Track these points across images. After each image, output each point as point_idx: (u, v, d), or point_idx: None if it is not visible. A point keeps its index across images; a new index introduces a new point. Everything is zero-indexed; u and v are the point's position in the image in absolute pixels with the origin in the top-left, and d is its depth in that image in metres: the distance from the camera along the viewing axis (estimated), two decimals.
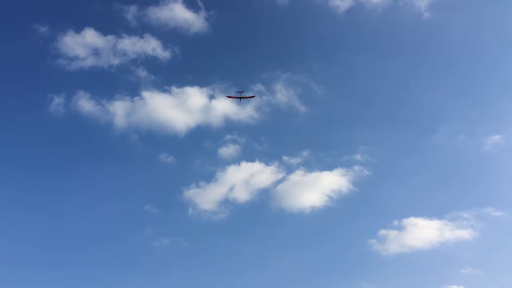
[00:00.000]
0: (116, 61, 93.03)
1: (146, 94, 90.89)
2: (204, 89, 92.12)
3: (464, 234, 69.90)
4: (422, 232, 71.39)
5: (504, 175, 77.34)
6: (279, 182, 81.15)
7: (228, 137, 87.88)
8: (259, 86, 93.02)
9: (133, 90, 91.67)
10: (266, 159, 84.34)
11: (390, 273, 68.68)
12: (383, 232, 72.26)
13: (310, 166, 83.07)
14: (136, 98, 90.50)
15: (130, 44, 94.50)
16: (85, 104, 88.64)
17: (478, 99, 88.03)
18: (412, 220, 72.69)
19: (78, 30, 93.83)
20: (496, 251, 68.76)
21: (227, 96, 74.26)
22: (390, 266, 69.41)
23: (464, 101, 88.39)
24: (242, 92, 74.70)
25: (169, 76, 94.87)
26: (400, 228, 72.23)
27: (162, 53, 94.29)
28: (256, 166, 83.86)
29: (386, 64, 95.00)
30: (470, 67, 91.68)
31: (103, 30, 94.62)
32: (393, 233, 72.00)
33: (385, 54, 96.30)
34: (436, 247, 69.58)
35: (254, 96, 74.10)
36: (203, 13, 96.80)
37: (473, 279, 65.46)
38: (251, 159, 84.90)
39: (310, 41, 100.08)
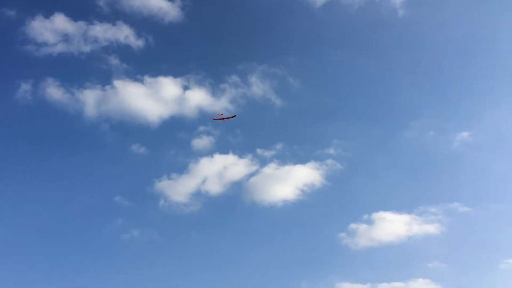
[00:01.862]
0: (87, 48, 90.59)
1: (118, 83, 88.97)
2: (178, 79, 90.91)
3: (432, 228, 71.56)
4: (391, 226, 72.74)
5: (471, 171, 79.57)
6: (252, 175, 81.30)
7: (202, 128, 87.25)
8: (235, 78, 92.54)
9: (104, 79, 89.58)
10: (240, 152, 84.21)
11: (359, 266, 69.82)
12: (353, 226, 73.39)
13: (284, 159, 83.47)
14: (107, 87, 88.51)
15: (102, 31, 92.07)
16: (54, 92, 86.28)
17: (449, 95, 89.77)
18: (382, 214, 74.00)
19: (47, 15, 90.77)
20: (462, 246, 70.88)
21: (213, 119, 75.75)
22: (359, 260, 70.55)
23: (435, 97, 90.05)
24: (222, 114, 75.91)
25: (142, 65, 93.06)
26: (369, 222, 73.48)
27: (135, 42, 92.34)
28: (230, 158, 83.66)
29: (361, 59, 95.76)
30: (442, 64, 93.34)
31: (74, 15, 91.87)
32: (362, 227, 73.22)
33: (360, 49, 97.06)
34: (404, 241, 71.14)
35: (235, 116, 75.85)
36: (178, 2, 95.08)
37: (439, 272, 67.14)
38: (224, 151, 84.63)
39: (286, 34, 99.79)
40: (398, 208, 74.05)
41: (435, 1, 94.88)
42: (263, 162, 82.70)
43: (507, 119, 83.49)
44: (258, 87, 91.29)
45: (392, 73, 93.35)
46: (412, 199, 76.44)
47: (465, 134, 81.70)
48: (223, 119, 74.26)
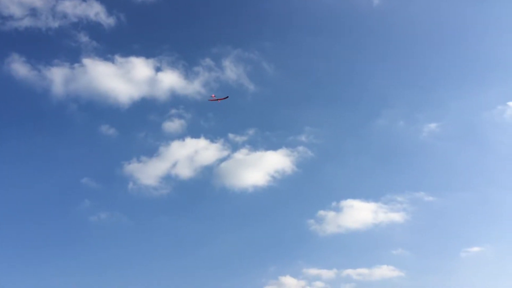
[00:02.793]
0: (55, 24, 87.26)
1: (87, 61, 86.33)
2: (151, 60, 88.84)
3: (397, 217, 73.23)
4: (358, 214, 74.11)
5: (437, 162, 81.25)
6: (223, 159, 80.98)
7: (173, 111, 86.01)
8: (208, 61, 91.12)
9: (73, 56, 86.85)
10: (212, 136, 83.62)
11: (326, 253, 71.27)
12: (321, 213, 74.37)
13: (256, 145, 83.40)
14: (76, 65, 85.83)
15: (71, 7, 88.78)
16: (20, 68, 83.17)
17: (420, 86, 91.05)
18: (350, 202, 75.19)
19: None
20: (425, 234, 72.76)
21: (209, 100, 73.94)
22: (326, 246, 71.93)
23: (406, 87, 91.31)
24: (214, 96, 74.39)
25: (113, 44, 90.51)
26: (337, 210, 74.64)
27: (106, 19, 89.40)
28: (201, 142, 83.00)
29: (336, 47, 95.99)
30: (414, 55, 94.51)
31: None
32: (331, 214, 74.32)
33: (335, 37, 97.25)
34: (370, 229, 72.59)
35: (227, 97, 74.12)
36: None
37: (402, 259, 69.08)
38: (196, 135, 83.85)
39: (262, 19, 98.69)
40: (366, 196, 75.56)
41: None
42: (235, 147, 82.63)
43: (473, 112, 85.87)
44: (232, 71, 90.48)
45: (366, 62, 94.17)
46: (379, 187, 78.16)
47: (433, 125, 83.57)
48: (217, 100, 72.87)
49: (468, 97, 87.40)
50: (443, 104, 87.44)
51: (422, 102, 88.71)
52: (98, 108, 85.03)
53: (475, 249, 68.92)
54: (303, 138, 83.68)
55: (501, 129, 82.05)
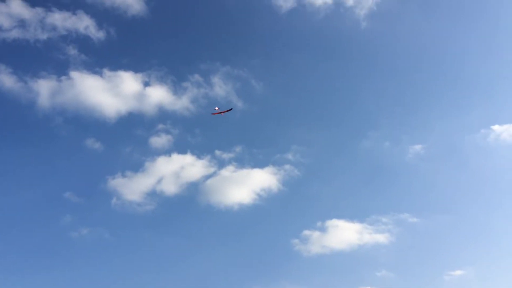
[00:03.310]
0: (43, 36, 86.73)
1: (74, 74, 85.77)
2: (139, 75, 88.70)
3: (382, 238, 73.32)
4: (343, 234, 74.01)
5: (421, 183, 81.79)
6: (209, 176, 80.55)
7: (160, 126, 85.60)
8: (197, 77, 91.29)
9: (60, 69, 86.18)
10: (199, 152, 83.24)
11: (310, 273, 70.51)
12: (306, 232, 74.12)
13: (242, 162, 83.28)
14: (63, 78, 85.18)
15: (61, 19, 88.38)
16: (6, 79, 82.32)
17: (405, 108, 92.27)
18: (335, 222, 75.15)
19: None
20: (410, 256, 72.86)
21: (212, 114, 73.50)
22: (311, 266, 71.37)
23: (392, 109, 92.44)
24: (218, 108, 73.21)
25: (101, 58, 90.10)
26: (322, 230, 74.47)
27: (96, 33, 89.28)
28: (188, 158, 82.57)
29: (324, 67, 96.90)
30: (400, 78, 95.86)
31: (31, 1, 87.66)
32: (316, 234, 74.11)
33: (323, 57, 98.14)
34: (355, 250, 72.45)
35: (231, 109, 73.84)
36: None
37: (386, 281, 68.82)
38: (183, 151, 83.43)
39: (252, 37, 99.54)
40: (351, 216, 75.61)
41: (396, 16, 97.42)
42: (221, 164, 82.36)
43: (457, 135, 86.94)
44: (220, 88, 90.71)
45: (353, 83, 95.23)
46: (365, 207, 78.24)
47: (418, 147, 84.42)
48: (221, 112, 72.46)
49: (452, 120, 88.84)
50: (427, 126, 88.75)
51: (407, 123, 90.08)
52: (84, 122, 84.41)
53: (458, 272, 69.30)
54: (290, 156, 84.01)
55: (485, 153, 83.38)
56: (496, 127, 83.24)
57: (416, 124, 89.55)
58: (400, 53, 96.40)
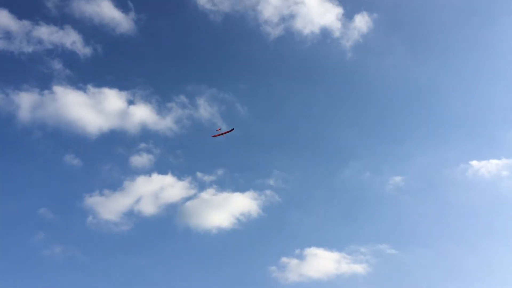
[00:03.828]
0: (29, 49, 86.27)
1: (57, 89, 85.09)
2: (124, 93, 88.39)
3: (359, 268, 72.86)
4: (322, 263, 73.35)
5: (400, 215, 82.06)
6: (189, 198, 79.61)
7: (142, 145, 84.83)
8: (182, 98, 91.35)
9: (43, 83, 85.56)
10: (179, 173, 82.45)
11: None
12: (284, 260, 73.25)
13: (223, 185, 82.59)
14: (45, 92, 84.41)
15: (48, 33, 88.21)
16: None
17: (387, 140, 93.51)
18: (314, 250, 74.52)
19: None
20: (386, 287, 72.52)
21: (212, 136, 72.68)
22: None
23: (374, 140, 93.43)
24: (220, 129, 72.46)
25: (86, 74, 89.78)
26: (301, 257, 73.77)
27: (82, 49, 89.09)
28: (168, 179, 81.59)
29: (309, 95, 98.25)
30: (382, 110, 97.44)
31: (19, 13, 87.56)
32: (293, 261, 73.29)
33: (309, 85, 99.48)
34: (332, 279, 71.79)
35: (233, 129, 72.74)
36: (132, 14, 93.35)
37: None
38: (163, 172, 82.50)
39: (239, 62, 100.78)
40: (330, 245, 75.14)
41: (381, 50, 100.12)
42: (202, 187, 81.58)
43: (436, 168, 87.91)
44: (205, 110, 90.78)
45: (337, 112, 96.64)
46: (344, 237, 77.98)
47: (398, 178, 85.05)
48: (222, 134, 71.55)
49: (432, 153, 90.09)
50: (408, 158, 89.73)
51: (388, 155, 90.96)
52: (64, 137, 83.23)
53: None
54: (271, 182, 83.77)
55: (463, 187, 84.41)
56: (474, 163, 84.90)
57: (397, 156, 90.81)
58: (383, 86, 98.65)
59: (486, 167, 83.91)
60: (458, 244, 76.26)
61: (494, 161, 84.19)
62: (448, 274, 72.68)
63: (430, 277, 72.70)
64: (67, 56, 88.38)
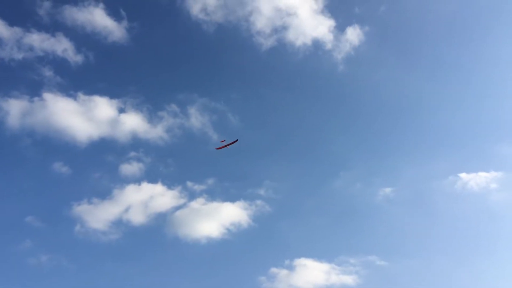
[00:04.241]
0: (19, 56, 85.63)
1: (47, 96, 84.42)
2: (115, 101, 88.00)
3: (349, 280, 72.69)
4: (311, 274, 73.05)
5: (390, 226, 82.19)
6: (179, 207, 79.13)
7: (132, 154, 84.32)
8: (174, 107, 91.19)
9: (33, 90, 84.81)
10: (169, 183, 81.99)
11: None
12: (274, 270, 72.88)
13: (213, 195, 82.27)
14: (35, 99, 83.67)
15: (39, 41, 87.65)
16: None
17: (378, 151, 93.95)
18: (303, 261, 74.27)
19: None
20: None
21: (216, 148, 72.08)
22: None
23: (365, 151, 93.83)
24: (224, 141, 71.52)
25: (77, 81, 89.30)
26: (290, 268, 73.43)
27: (74, 57, 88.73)
28: (158, 188, 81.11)
29: (301, 106, 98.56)
30: (372, 122, 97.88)
31: (10, 20, 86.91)
32: (283, 272, 72.93)
33: (300, 96, 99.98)
34: None
35: (237, 140, 71.62)
36: (125, 23, 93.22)
37: None
38: (153, 181, 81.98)
39: (231, 71, 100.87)
40: (320, 256, 74.93)
41: (372, 63, 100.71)
42: (192, 196, 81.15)
43: (425, 180, 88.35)
44: (196, 119, 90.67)
45: (328, 123, 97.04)
46: (334, 248, 78.04)
47: (388, 190, 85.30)
48: (226, 146, 70.73)
49: (421, 165, 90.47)
50: (398, 170, 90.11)
51: (379, 166, 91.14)
52: (53, 145, 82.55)
53: None
54: (262, 192, 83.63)
55: (451, 199, 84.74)
56: (463, 175, 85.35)
57: (387, 168, 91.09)
58: (374, 99, 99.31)
59: (475, 179, 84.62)
60: (446, 255, 76.64)
61: (483, 174, 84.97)
62: (436, 285, 72.90)
63: None
64: (58, 64, 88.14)
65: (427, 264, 75.73)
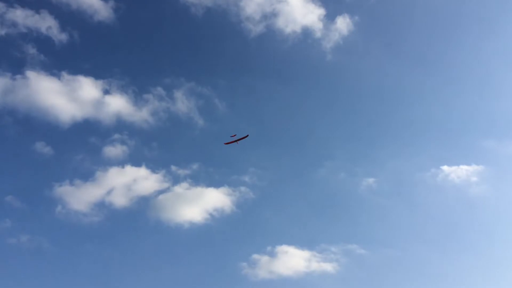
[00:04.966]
0: (1, 31, 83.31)
1: (30, 74, 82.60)
2: (99, 82, 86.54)
3: (329, 267, 73.62)
4: (292, 260, 73.75)
5: (372, 216, 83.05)
6: (162, 192, 78.81)
7: (116, 136, 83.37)
8: (160, 90, 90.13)
9: (16, 67, 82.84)
10: (153, 166, 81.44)
11: None
12: (255, 256, 73.38)
13: (197, 180, 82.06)
14: (18, 77, 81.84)
15: (23, 17, 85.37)
16: None
17: (362, 142, 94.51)
18: (285, 248, 74.87)
19: None
20: (355, 287, 73.20)
21: (224, 144, 71.06)
22: None
23: (349, 141, 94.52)
24: (235, 135, 70.33)
25: (61, 60, 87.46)
26: (272, 255, 74.03)
27: (58, 35, 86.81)
28: (142, 171, 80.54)
29: (288, 94, 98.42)
30: (358, 112, 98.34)
31: None
32: (264, 258, 73.46)
33: (288, 84, 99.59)
34: (301, 277, 72.18)
35: (247, 136, 70.70)
36: (112, 2, 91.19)
37: None
38: (137, 164, 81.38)
39: (219, 57, 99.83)
40: (301, 243, 75.58)
41: (361, 53, 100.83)
42: (176, 180, 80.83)
43: (408, 172, 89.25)
44: (183, 103, 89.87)
45: (314, 112, 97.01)
46: (315, 236, 78.50)
47: (370, 180, 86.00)
48: (236, 141, 69.88)
49: (405, 157, 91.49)
50: (381, 161, 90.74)
51: (362, 157, 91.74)
52: (35, 124, 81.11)
53: None
54: (246, 178, 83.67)
55: (433, 191, 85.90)
56: (445, 168, 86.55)
57: (371, 158, 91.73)
58: (360, 88, 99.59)
59: (456, 172, 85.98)
60: (426, 246, 77.95)
61: (464, 167, 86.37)
62: (415, 275, 74.21)
63: (397, 277, 74.24)
64: (42, 41, 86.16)
65: (406, 254, 77.21)
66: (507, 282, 70.09)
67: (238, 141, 70.58)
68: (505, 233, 77.80)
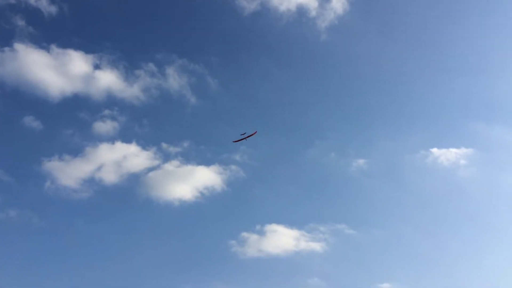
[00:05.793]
0: None
1: (19, 47, 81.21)
2: (90, 56, 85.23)
3: (317, 246, 74.33)
4: (281, 239, 74.32)
5: (361, 197, 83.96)
6: (152, 169, 78.61)
7: (107, 112, 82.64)
8: (151, 66, 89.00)
9: (4, 39, 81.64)
10: (144, 143, 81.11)
11: (244, 276, 70.30)
12: (244, 234, 73.84)
13: (188, 158, 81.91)
14: (6, 49, 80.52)
15: None
16: None
17: (354, 122, 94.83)
18: (274, 226, 75.39)
19: None
20: (342, 266, 74.18)
21: (233, 141, 69.91)
22: (245, 269, 71.08)
23: (340, 122, 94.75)
24: (245, 133, 69.00)
25: (51, 33, 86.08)
26: (261, 233, 74.56)
27: (47, 7, 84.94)
28: (132, 148, 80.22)
29: (280, 73, 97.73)
30: (350, 93, 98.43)
31: None
32: (253, 237, 74.02)
33: (281, 63, 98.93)
34: (290, 256, 72.93)
35: (256, 132, 69.62)
36: None
37: None
38: (127, 140, 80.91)
39: (212, 34, 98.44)
40: (290, 222, 76.06)
41: (355, 33, 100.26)
42: (166, 158, 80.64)
43: (398, 154, 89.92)
44: (174, 80, 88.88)
45: (306, 92, 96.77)
46: (304, 215, 79.08)
47: (361, 161, 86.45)
48: (245, 138, 69.01)
49: (395, 139, 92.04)
50: (372, 142, 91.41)
51: (353, 138, 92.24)
52: (24, 98, 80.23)
53: (386, 285, 71.37)
54: (237, 157, 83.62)
55: (422, 173, 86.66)
56: (434, 150, 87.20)
57: (362, 139, 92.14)
58: (353, 70, 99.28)
59: (445, 155, 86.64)
60: (413, 227, 78.99)
61: (453, 150, 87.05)
62: (401, 255, 75.50)
63: (384, 257, 75.36)
64: (31, 13, 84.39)
65: (394, 235, 78.24)
66: (492, 261, 71.83)
67: (247, 138, 69.98)
68: (492, 215, 79.26)
